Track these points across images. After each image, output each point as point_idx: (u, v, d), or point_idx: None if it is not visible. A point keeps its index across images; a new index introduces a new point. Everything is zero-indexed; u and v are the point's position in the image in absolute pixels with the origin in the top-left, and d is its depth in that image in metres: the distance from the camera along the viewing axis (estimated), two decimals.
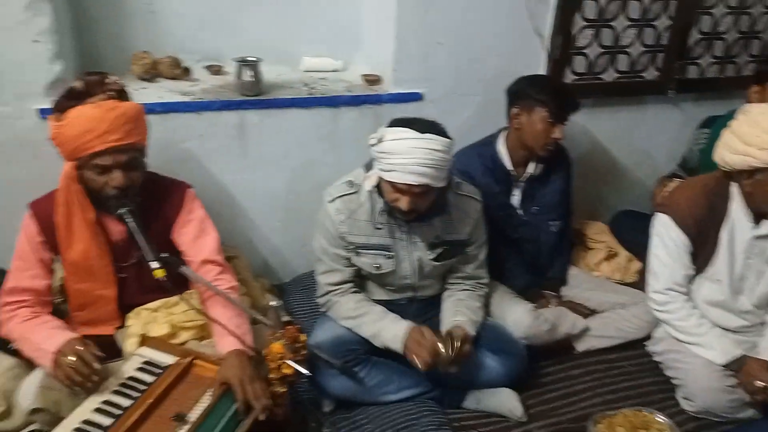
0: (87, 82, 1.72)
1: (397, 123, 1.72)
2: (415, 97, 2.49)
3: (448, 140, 1.71)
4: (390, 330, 1.87)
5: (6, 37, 1.89)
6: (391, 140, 1.67)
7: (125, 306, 1.86)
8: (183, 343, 1.79)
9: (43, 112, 2.00)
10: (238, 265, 2.30)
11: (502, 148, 2.28)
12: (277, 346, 1.61)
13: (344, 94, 2.42)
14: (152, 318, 1.85)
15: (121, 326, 1.86)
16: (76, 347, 1.57)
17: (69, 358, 1.54)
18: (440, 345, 1.78)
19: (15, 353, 1.80)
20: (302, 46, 2.69)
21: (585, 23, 2.62)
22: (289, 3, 2.60)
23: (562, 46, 2.61)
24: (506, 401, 1.96)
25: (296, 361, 1.61)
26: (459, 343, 1.77)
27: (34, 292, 1.75)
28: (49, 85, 1.99)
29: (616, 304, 2.36)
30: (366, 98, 2.43)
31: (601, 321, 2.33)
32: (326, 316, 2.02)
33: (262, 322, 1.74)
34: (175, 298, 1.89)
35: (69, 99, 1.69)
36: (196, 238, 1.88)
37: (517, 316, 2.08)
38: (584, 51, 2.68)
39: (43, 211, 1.74)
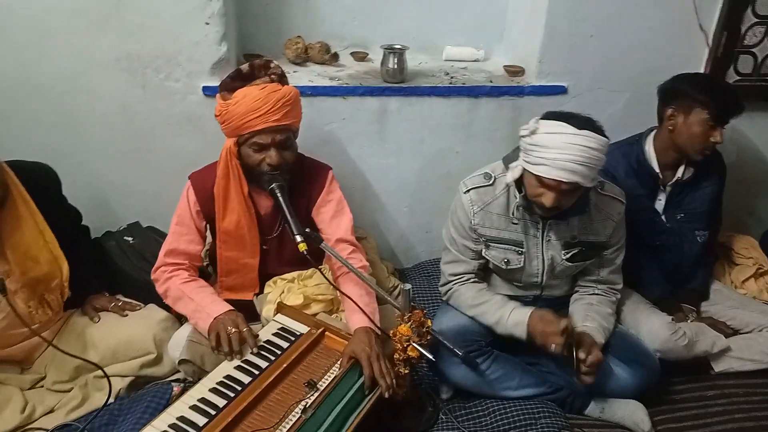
0: (252, 66, 1.85)
1: (552, 116, 1.67)
2: (558, 91, 2.42)
3: (605, 139, 1.64)
4: (513, 316, 1.84)
5: (184, 19, 2.08)
6: (545, 133, 1.63)
7: (264, 275, 2.01)
8: (314, 315, 1.89)
9: (207, 90, 2.18)
10: (366, 246, 2.38)
11: (649, 149, 2.15)
12: (404, 329, 1.65)
13: (485, 85, 2.40)
14: (288, 288, 1.98)
15: (259, 293, 2.00)
16: (236, 320, 1.73)
17: (229, 327, 1.69)
18: (564, 322, 1.73)
19: (166, 308, 2.01)
20: (445, 35, 2.71)
21: (756, 20, 2.40)
22: None
23: (727, 44, 2.41)
24: (633, 414, 1.87)
25: (421, 345, 1.64)
26: (587, 355, 1.71)
27: (189, 256, 1.92)
28: (214, 65, 2.17)
29: (763, 326, 2.16)
30: (507, 90, 2.40)
31: (744, 342, 2.14)
32: (447, 305, 2.03)
33: (391, 303, 1.79)
34: (309, 271, 2.01)
35: (235, 80, 1.84)
36: (333, 217, 1.97)
37: (653, 328, 1.97)
38: (752, 50, 2.45)
39: (202, 182, 1.90)
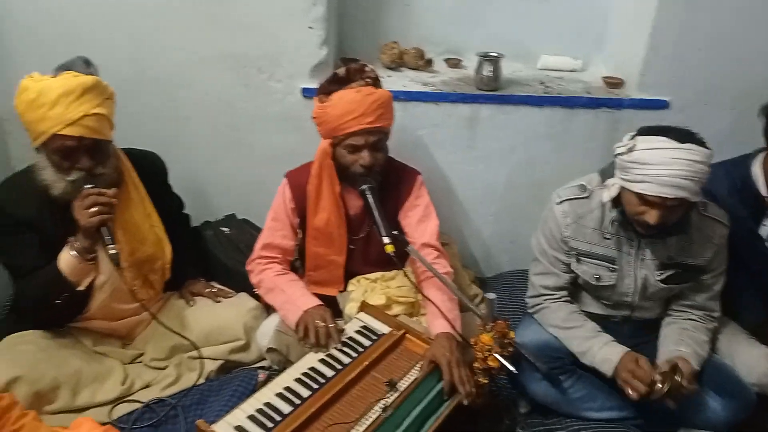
0: (349, 69, 1.91)
1: (649, 131, 1.61)
2: (659, 105, 2.33)
3: (708, 151, 1.56)
4: (602, 351, 1.78)
5: (289, 22, 2.16)
6: (645, 149, 1.57)
7: (349, 273, 2.06)
8: (395, 316, 1.92)
9: (306, 91, 2.27)
10: (448, 252, 2.36)
11: (757, 171, 2.02)
12: (486, 338, 1.64)
13: (581, 96, 2.34)
14: (371, 287, 2.02)
15: (342, 290, 2.05)
16: (324, 315, 1.79)
17: (317, 321, 1.76)
18: (658, 379, 1.66)
19: (256, 297, 2.10)
20: (541, 44, 2.67)
21: None
22: (535, 0, 2.59)
23: None
24: None
25: (503, 356, 1.63)
26: (683, 380, 1.63)
27: (283, 250, 2.01)
28: (314, 68, 2.24)
29: None
30: (605, 101, 2.34)
31: None
32: (531, 318, 2.00)
33: (474, 311, 1.79)
34: (392, 273, 2.04)
35: (332, 83, 1.90)
36: (419, 221, 2.00)
37: (751, 360, 1.85)
38: None
39: (297, 180, 1.98)
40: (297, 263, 2.17)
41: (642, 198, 1.60)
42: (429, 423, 1.54)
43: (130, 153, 1.88)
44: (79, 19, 2.16)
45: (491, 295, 1.68)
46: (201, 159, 2.43)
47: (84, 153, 1.63)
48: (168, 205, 2.00)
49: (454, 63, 2.57)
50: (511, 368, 1.62)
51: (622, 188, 1.67)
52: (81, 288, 1.72)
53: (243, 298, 2.10)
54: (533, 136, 2.40)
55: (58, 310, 1.73)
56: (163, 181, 2.02)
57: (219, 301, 2.07)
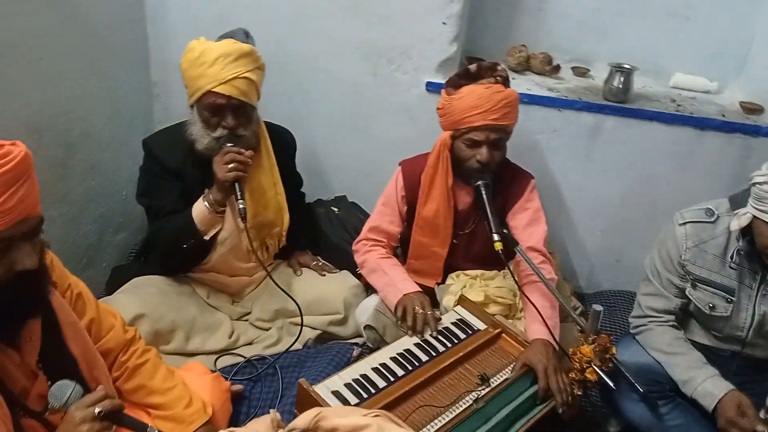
0: (480, 67, 1.94)
1: None
2: None
3: None
4: (706, 384, 1.69)
5: (424, 17, 2.23)
6: None
7: (449, 266, 2.08)
8: (492, 315, 1.93)
9: (430, 85, 2.32)
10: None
11: None
12: (587, 350, 1.62)
13: (715, 118, 2.23)
14: (469, 283, 2.03)
15: (440, 283, 2.09)
16: (423, 302, 1.84)
17: (416, 306, 1.80)
18: (761, 430, 1.56)
19: (357, 276, 2.18)
20: (675, 61, 2.58)
21: None
22: (673, 16, 2.51)
23: None
24: None
25: (602, 371, 1.60)
26: None
27: (388, 235, 2.07)
28: (441, 63, 2.29)
29: None
30: (740, 127, 2.21)
31: None
32: (632, 338, 1.93)
33: (577, 321, 1.77)
34: (492, 273, 2.05)
35: (462, 78, 1.94)
36: (527, 225, 1.99)
37: None
38: None
39: (410, 169, 2.03)
40: (398, 250, 2.23)
41: None
42: (519, 424, 1.54)
43: (267, 125, 2.01)
44: (227, 2, 2.33)
45: (598, 307, 1.65)
46: (322, 140, 2.54)
47: (230, 112, 1.79)
48: (290, 179, 2.12)
49: (581, 72, 2.53)
50: (611, 384, 1.59)
51: (755, 218, 1.58)
52: (206, 237, 1.88)
53: (345, 275, 2.19)
54: (656, 154, 2.31)
55: (183, 254, 1.89)
56: (290, 156, 2.15)
57: (323, 275, 2.17)
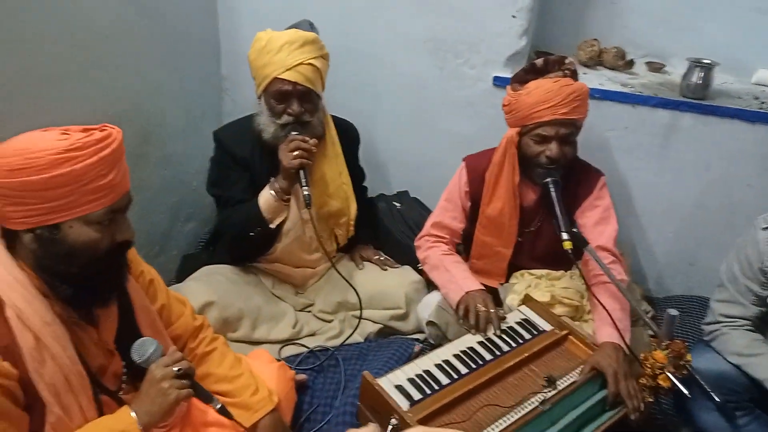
0: (547, 61, 1.89)
1: None
2: None
3: None
4: None
5: (494, 10, 2.19)
6: None
7: (513, 266, 2.04)
8: (558, 316, 1.88)
9: (497, 80, 2.28)
10: None
11: None
12: (660, 355, 1.56)
13: None
14: (535, 283, 1.99)
15: (503, 282, 2.05)
16: (486, 300, 1.81)
17: (478, 305, 1.78)
18: None
19: (419, 272, 2.17)
20: (758, 57, 2.43)
21: None
22: (758, 11, 2.38)
23: None
24: None
25: (675, 378, 1.54)
26: None
27: (451, 232, 2.05)
28: (509, 57, 2.25)
29: None
30: None
31: None
32: (706, 346, 1.84)
33: (650, 325, 1.71)
34: (559, 272, 2.00)
35: (529, 73, 1.89)
36: (597, 223, 1.92)
37: None
38: None
39: (475, 166, 2.00)
40: (460, 247, 2.21)
41: None
42: (588, 429, 1.50)
43: (333, 118, 2.03)
44: None
45: (673, 312, 1.59)
46: (385, 134, 2.54)
47: (296, 99, 1.83)
48: (353, 172, 2.13)
49: (656, 67, 2.43)
50: (685, 391, 1.53)
51: None
52: (272, 226, 1.91)
53: (407, 270, 2.19)
54: (737, 155, 2.20)
55: (250, 242, 1.94)
56: (354, 150, 2.17)
57: (385, 269, 2.17)
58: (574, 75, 1.87)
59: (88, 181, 1.09)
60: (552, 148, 1.80)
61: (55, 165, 1.06)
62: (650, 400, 1.59)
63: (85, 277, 1.16)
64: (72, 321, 1.21)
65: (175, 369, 1.20)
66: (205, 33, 2.44)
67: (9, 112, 1.49)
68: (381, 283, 2.10)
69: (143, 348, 1.23)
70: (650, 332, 1.80)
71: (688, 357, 1.56)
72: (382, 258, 2.21)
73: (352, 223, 2.07)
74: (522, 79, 1.89)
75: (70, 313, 1.20)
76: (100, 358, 1.28)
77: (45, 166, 1.05)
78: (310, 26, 1.91)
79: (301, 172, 1.82)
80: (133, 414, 1.18)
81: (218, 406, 1.26)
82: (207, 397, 1.26)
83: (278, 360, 1.73)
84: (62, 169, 1.06)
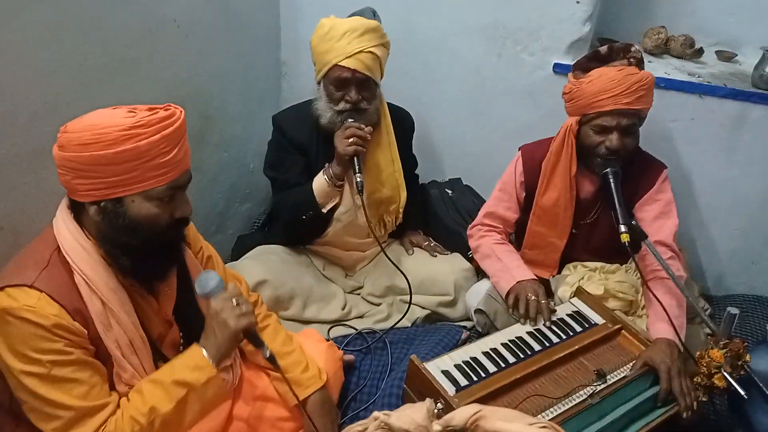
0: (611, 48, 1.84)
1: None
2: None
3: None
4: None
5: None
6: None
7: (566, 257, 2.01)
8: (612, 310, 1.84)
9: (558, 67, 2.23)
10: None
11: None
12: (717, 354, 1.51)
13: None
14: (588, 275, 1.95)
15: (555, 274, 2.02)
16: (537, 290, 1.79)
17: (529, 294, 1.76)
18: None
19: (469, 260, 2.16)
20: None
21: None
22: None
23: None
24: None
25: (732, 378, 1.49)
26: None
27: (504, 221, 2.03)
28: (571, 44, 2.19)
29: None
30: None
31: None
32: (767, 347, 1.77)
33: (707, 323, 1.65)
34: (614, 266, 1.95)
35: (591, 61, 1.85)
36: (657, 218, 1.87)
37: None
38: None
39: (531, 155, 1.97)
40: (511, 237, 2.19)
41: None
42: (638, 425, 1.47)
43: (389, 105, 2.04)
44: None
45: (734, 310, 1.53)
46: (441, 121, 2.53)
47: (354, 86, 1.85)
48: (405, 161, 2.13)
49: (727, 57, 2.32)
50: (742, 392, 1.47)
51: None
52: (324, 210, 1.95)
53: (457, 257, 2.19)
54: None
55: (303, 225, 1.98)
56: (408, 138, 2.18)
57: (435, 256, 2.18)
58: (639, 63, 1.81)
59: (152, 157, 1.14)
60: (612, 139, 1.76)
61: (121, 141, 1.10)
62: (704, 399, 1.54)
63: (145, 250, 1.22)
64: (134, 290, 1.27)
65: (234, 301, 1.24)
66: (266, 20, 2.48)
67: (85, 92, 1.56)
68: (430, 269, 2.11)
69: (205, 281, 1.27)
70: (707, 330, 1.74)
71: (747, 357, 1.50)
72: (432, 244, 2.22)
73: (401, 210, 2.09)
74: (584, 66, 1.84)
75: (132, 282, 1.27)
76: (159, 327, 1.35)
77: (112, 142, 1.10)
78: (373, 14, 1.94)
79: (355, 159, 1.85)
80: (202, 349, 1.23)
81: (268, 353, 1.29)
82: (258, 343, 1.29)
83: (327, 340, 1.77)
84: (127, 145, 1.11)
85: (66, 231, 1.20)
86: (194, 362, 1.23)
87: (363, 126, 1.85)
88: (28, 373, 1.11)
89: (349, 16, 1.89)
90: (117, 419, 1.18)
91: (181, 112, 1.21)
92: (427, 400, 1.09)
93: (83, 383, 1.15)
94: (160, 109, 1.19)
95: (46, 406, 1.13)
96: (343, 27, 1.80)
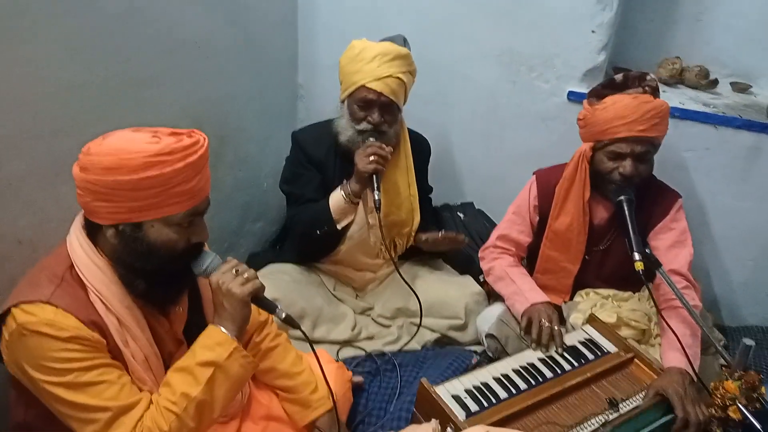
0: (627, 76, 1.85)
1: None
2: None
3: None
4: None
5: (572, 25, 2.16)
6: None
7: (578, 284, 2.01)
8: (624, 339, 1.82)
9: (572, 95, 2.24)
10: None
11: None
12: (731, 386, 1.49)
13: None
14: (600, 303, 1.94)
15: (567, 300, 2.01)
16: (551, 315, 1.79)
17: (543, 319, 1.76)
18: None
19: (480, 283, 2.15)
20: None
21: None
22: None
23: None
24: None
25: (747, 410, 1.46)
26: None
27: (517, 245, 2.03)
28: (586, 72, 2.21)
29: None
30: None
31: None
32: None
33: (721, 353, 1.63)
34: (627, 294, 1.94)
35: (606, 88, 1.86)
36: (671, 246, 1.87)
37: None
38: None
39: (545, 180, 1.98)
40: (523, 262, 2.18)
41: None
42: None
43: (409, 130, 2.08)
44: (375, 9, 2.40)
45: (749, 342, 1.51)
46: (455, 145, 2.54)
47: (378, 108, 1.88)
48: (421, 185, 2.15)
49: (741, 87, 2.33)
50: (758, 425, 1.45)
51: None
52: (339, 226, 1.96)
53: (468, 280, 2.18)
54: None
55: (316, 241, 1.99)
56: (424, 163, 2.19)
57: (445, 247, 2.15)
58: (654, 92, 1.83)
59: (175, 184, 1.14)
60: (626, 166, 1.76)
61: (146, 167, 1.11)
62: (718, 431, 1.52)
63: (159, 274, 1.22)
64: (146, 311, 1.27)
65: (234, 270, 1.24)
66: (284, 44, 2.52)
67: (106, 109, 1.59)
68: (441, 292, 2.10)
69: (201, 259, 1.27)
70: (722, 362, 1.72)
71: (762, 390, 1.48)
72: (443, 232, 2.11)
73: (413, 234, 2.09)
74: (599, 93, 1.86)
75: (145, 303, 1.27)
76: (170, 345, 1.35)
77: (136, 168, 1.10)
78: (404, 41, 1.97)
79: (375, 177, 1.87)
80: (219, 327, 1.23)
81: (283, 315, 1.29)
82: (271, 307, 1.29)
83: (336, 361, 1.76)
84: (152, 172, 1.11)
85: (80, 249, 1.20)
86: (213, 340, 1.23)
87: (384, 146, 1.88)
88: (55, 383, 1.12)
89: (381, 41, 1.93)
90: (152, 413, 1.18)
91: (204, 139, 1.22)
92: (433, 420, 1.08)
93: (113, 384, 1.16)
94: (184, 135, 1.20)
95: (80, 412, 1.14)
96: (375, 50, 1.85)
